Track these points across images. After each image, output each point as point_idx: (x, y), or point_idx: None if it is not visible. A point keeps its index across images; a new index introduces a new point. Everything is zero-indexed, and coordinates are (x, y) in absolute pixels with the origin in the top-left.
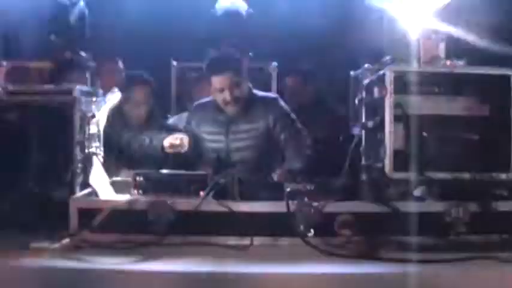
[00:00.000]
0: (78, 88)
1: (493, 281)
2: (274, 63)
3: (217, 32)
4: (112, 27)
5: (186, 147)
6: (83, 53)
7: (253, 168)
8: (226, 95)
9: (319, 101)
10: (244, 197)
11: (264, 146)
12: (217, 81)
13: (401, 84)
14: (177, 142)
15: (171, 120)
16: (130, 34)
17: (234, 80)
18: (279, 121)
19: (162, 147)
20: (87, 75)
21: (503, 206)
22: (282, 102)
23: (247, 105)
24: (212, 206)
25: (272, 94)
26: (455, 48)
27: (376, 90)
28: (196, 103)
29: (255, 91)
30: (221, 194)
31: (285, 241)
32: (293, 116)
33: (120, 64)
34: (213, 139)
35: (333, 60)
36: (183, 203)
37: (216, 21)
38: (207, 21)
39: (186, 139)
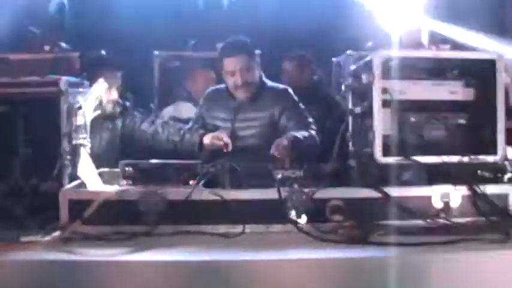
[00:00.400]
0: (65, 79)
1: (482, 262)
2: (258, 51)
3: (199, 22)
4: (93, 18)
5: (229, 148)
6: (63, 44)
7: (256, 157)
8: (238, 78)
9: (315, 85)
10: (235, 185)
11: (269, 136)
12: (229, 63)
13: (388, 70)
14: (220, 143)
15: (166, 110)
16: (111, 25)
17: (246, 63)
18: (287, 111)
19: (201, 144)
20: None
21: (490, 189)
22: (291, 94)
23: (257, 94)
24: (203, 194)
25: (282, 85)
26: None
27: (363, 76)
28: (209, 88)
29: (266, 80)
30: (212, 182)
31: (276, 228)
32: (302, 107)
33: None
34: (221, 125)
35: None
36: (174, 193)
37: (198, 12)
38: (189, 12)
39: (228, 140)
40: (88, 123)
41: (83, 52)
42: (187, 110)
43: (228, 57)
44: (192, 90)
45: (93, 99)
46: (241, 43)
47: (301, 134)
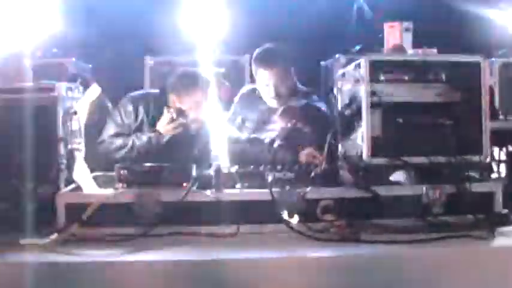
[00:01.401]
0: (61, 85)
1: (469, 258)
2: (247, 55)
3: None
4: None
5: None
6: (54, 50)
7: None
8: (271, 90)
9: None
10: (228, 186)
11: None
12: (262, 75)
13: (376, 73)
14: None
15: None
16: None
17: (280, 76)
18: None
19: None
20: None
21: (477, 187)
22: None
23: (288, 100)
24: (198, 196)
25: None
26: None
27: (352, 79)
28: (246, 87)
29: (300, 87)
30: (205, 184)
31: (269, 228)
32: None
33: None
34: (249, 126)
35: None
36: (169, 194)
37: None
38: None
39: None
40: (82, 128)
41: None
42: None
43: (262, 68)
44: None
45: (87, 104)
46: (276, 54)
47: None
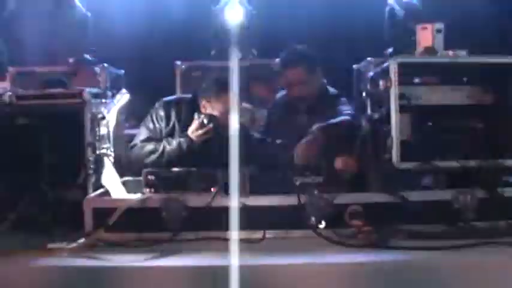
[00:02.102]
0: (88, 91)
1: (501, 265)
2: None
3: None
4: (116, 30)
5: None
6: (87, 56)
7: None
8: (293, 91)
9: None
10: (255, 191)
11: None
12: (285, 74)
13: (405, 75)
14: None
15: None
16: (133, 36)
17: (302, 76)
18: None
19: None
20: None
21: (510, 192)
22: (342, 99)
23: (315, 104)
24: (224, 201)
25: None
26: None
27: (381, 82)
28: (279, 93)
29: (330, 89)
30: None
31: (297, 233)
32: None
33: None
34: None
35: (336, 53)
36: (195, 199)
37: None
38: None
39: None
40: (111, 133)
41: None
42: None
43: (285, 68)
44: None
45: (116, 109)
46: (299, 54)
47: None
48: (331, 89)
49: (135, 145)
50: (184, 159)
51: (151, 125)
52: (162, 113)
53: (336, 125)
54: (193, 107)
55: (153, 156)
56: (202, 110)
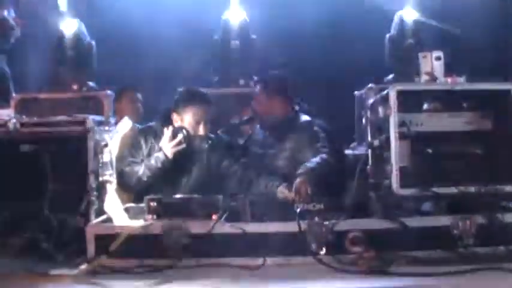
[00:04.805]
0: (92, 118)
1: None
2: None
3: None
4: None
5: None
6: (91, 84)
7: None
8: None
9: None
10: (256, 218)
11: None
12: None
13: (404, 102)
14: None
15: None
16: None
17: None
18: None
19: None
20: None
21: (509, 218)
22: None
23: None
24: (225, 228)
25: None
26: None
27: (380, 110)
28: None
29: (303, 116)
30: (233, 216)
31: (297, 260)
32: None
33: (139, 95)
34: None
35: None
36: (197, 226)
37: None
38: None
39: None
40: (114, 160)
41: (115, 90)
42: None
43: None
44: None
45: (119, 136)
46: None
47: (312, 162)
48: (304, 117)
49: (121, 171)
50: (165, 171)
51: (133, 151)
52: (140, 139)
53: (318, 165)
54: (168, 123)
55: (138, 176)
56: (174, 124)
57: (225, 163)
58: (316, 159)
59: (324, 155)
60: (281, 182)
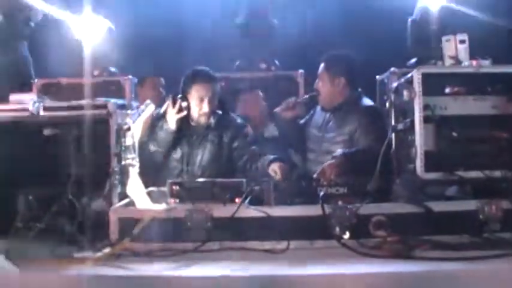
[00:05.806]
0: (113, 102)
1: None
2: (301, 71)
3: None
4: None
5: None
6: (112, 69)
7: None
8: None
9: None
10: (279, 202)
11: None
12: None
13: (429, 86)
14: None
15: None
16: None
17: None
18: None
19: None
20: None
21: None
22: None
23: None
24: (248, 212)
25: None
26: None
27: (405, 93)
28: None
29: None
30: (257, 200)
31: (321, 244)
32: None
33: (162, 80)
34: None
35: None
36: (220, 210)
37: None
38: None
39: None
40: (136, 143)
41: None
42: None
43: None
44: (243, 112)
45: (141, 120)
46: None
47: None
48: (366, 100)
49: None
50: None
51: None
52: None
53: (357, 153)
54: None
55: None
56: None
57: (235, 144)
58: (363, 145)
59: (372, 143)
60: (274, 159)
